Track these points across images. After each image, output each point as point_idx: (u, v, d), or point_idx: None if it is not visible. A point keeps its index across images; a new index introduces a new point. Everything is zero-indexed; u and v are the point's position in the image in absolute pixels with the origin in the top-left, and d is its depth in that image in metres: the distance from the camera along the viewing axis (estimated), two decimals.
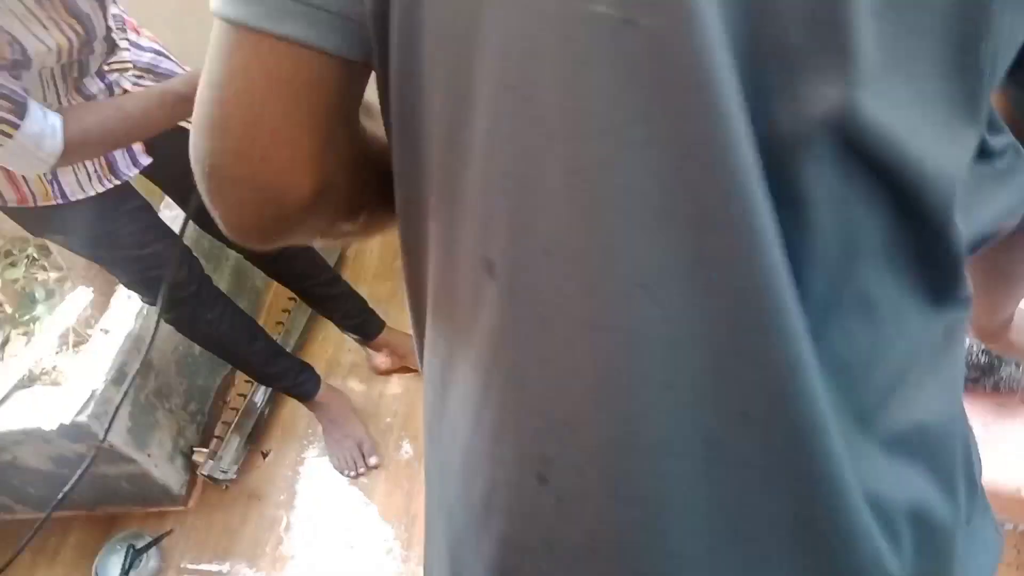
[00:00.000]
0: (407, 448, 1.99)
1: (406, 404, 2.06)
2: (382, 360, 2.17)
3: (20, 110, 1.15)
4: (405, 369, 2.15)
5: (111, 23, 1.36)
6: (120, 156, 1.52)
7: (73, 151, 1.23)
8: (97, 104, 1.35)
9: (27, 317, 2.48)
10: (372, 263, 2.43)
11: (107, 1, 1.33)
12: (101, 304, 2.26)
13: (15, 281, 2.51)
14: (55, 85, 1.34)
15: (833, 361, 0.48)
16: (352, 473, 1.97)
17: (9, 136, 1.15)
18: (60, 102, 1.38)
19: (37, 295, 2.53)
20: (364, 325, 2.11)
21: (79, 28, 1.29)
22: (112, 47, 1.40)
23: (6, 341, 2.46)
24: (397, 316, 2.24)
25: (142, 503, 2.16)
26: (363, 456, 1.96)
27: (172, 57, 1.61)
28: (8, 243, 2.66)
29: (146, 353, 1.74)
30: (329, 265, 2.07)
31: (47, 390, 2.03)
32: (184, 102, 1.29)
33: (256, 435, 2.17)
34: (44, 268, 2.59)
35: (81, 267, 2.26)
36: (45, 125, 1.18)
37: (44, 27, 1.23)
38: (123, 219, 1.63)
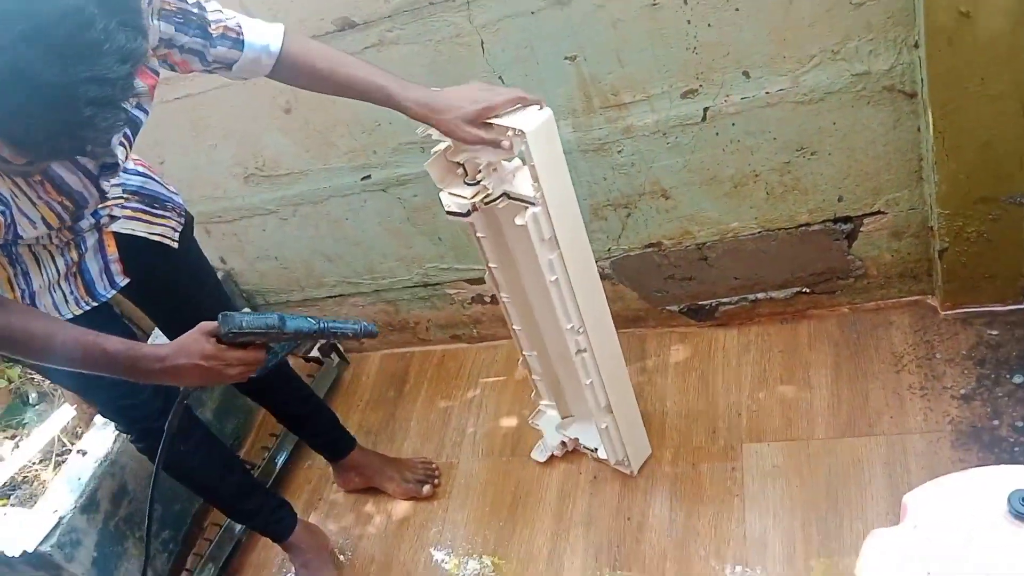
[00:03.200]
0: None
1: (385, 550, 1.96)
2: (349, 480, 2.10)
3: None
4: (372, 489, 2.08)
5: (105, 187, 1.35)
6: (98, 277, 1.49)
7: None
8: (34, 317, 1.30)
9: (16, 420, 2.43)
10: (366, 392, 2.37)
11: (101, 178, 1.32)
12: (87, 416, 2.22)
13: (10, 382, 2.48)
14: (49, 234, 1.34)
15: None
16: None
17: None
18: (52, 240, 1.37)
19: (31, 398, 2.49)
20: (334, 444, 2.05)
21: (69, 203, 1.29)
22: (104, 198, 1.39)
23: None
24: (386, 446, 2.17)
25: None
26: None
27: (158, 178, 1.61)
28: None
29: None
30: (304, 383, 2.02)
31: (16, 512, 1.96)
32: (107, 364, 1.26)
33: (228, 569, 2.07)
34: None
35: None
36: None
37: (33, 205, 1.23)
38: None
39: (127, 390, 1.62)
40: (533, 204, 1.38)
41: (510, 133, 1.31)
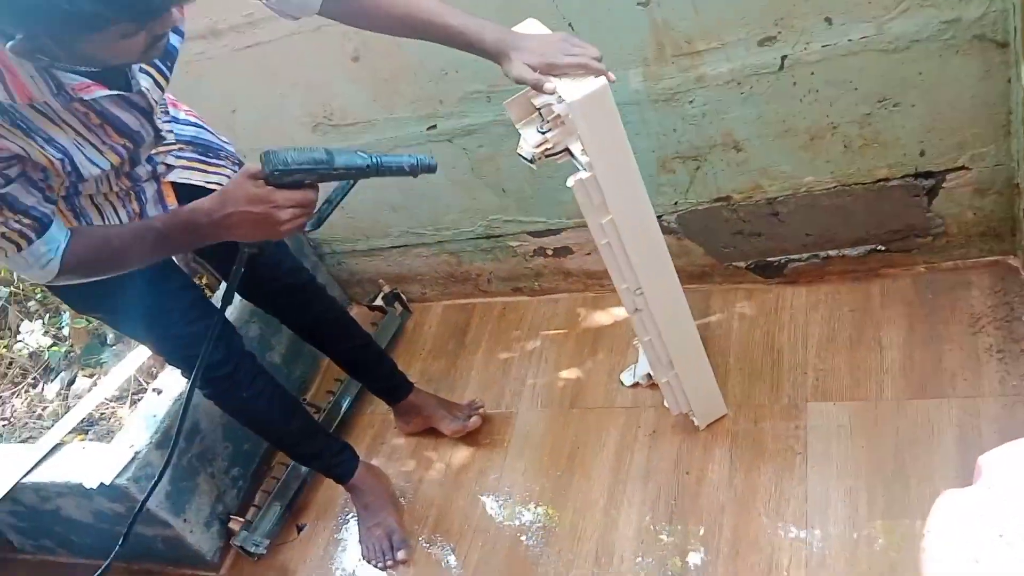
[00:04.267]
0: (439, 544, 1.92)
1: (443, 494, 2.00)
2: (408, 422, 2.14)
3: (40, 230, 1.20)
4: (432, 431, 2.12)
5: (160, 125, 1.37)
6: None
7: (65, 275, 1.26)
8: (90, 231, 1.35)
9: (94, 360, 2.54)
10: (428, 341, 2.40)
11: (155, 113, 1.33)
12: (162, 358, 2.30)
13: (89, 323, 2.58)
14: (108, 179, 1.36)
15: None
16: (379, 564, 1.92)
17: (18, 248, 1.19)
18: (112, 187, 1.40)
19: (108, 338, 2.59)
20: (392, 389, 2.10)
21: (129, 144, 1.31)
22: (160, 139, 1.42)
23: (72, 380, 2.53)
24: (446, 394, 2.21)
25: (175, 564, 2.16)
26: (392, 548, 1.91)
27: (210, 128, 1.63)
28: None
29: (179, 425, 1.71)
30: (363, 331, 2.06)
31: (94, 446, 2.06)
32: (162, 239, 1.28)
33: (294, 506, 2.15)
34: None
35: None
36: (51, 247, 1.22)
37: (99, 151, 1.26)
38: (166, 298, 1.64)
39: (192, 340, 1.65)
40: (584, 169, 1.37)
41: (557, 96, 1.29)
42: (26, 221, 1.18)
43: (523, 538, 1.83)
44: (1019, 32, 1.38)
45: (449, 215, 2.22)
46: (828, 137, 1.68)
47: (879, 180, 1.73)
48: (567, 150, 1.39)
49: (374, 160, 1.20)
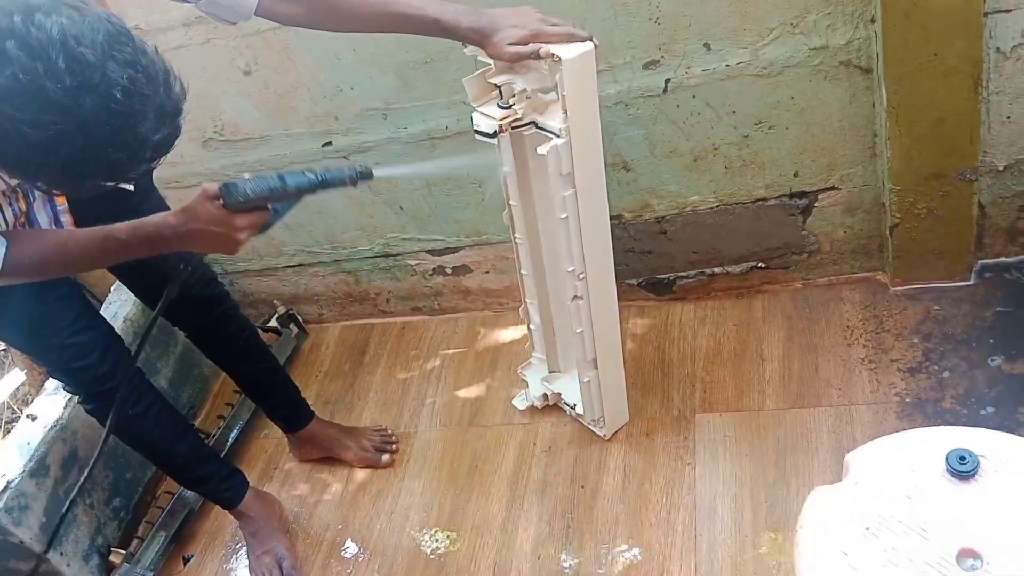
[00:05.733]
0: (334, 569, 1.87)
1: (340, 518, 1.96)
2: (306, 451, 2.09)
3: None
4: (329, 459, 2.07)
5: None
6: (45, 224, 1.45)
7: (7, 276, 1.22)
8: (41, 236, 1.31)
9: None
10: (324, 363, 2.35)
11: None
12: (37, 382, 2.18)
13: None
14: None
15: None
16: None
17: None
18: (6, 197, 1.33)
19: None
20: (294, 417, 2.04)
21: None
22: None
23: None
24: (344, 416, 2.17)
25: None
26: (282, 575, 1.85)
27: None
28: None
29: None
30: (272, 354, 2.01)
31: None
32: (123, 248, 1.27)
33: (180, 536, 2.05)
34: None
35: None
36: None
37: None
38: (51, 306, 1.56)
39: (77, 351, 1.60)
40: (558, 136, 1.38)
41: (548, 58, 1.30)
42: None
43: (421, 559, 1.80)
44: (881, 58, 1.49)
45: (346, 233, 2.19)
46: (710, 158, 1.76)
47: (757, 199, 1.81)
48: (533, 123, 1.41)
49: (319, 176, 1.29)
